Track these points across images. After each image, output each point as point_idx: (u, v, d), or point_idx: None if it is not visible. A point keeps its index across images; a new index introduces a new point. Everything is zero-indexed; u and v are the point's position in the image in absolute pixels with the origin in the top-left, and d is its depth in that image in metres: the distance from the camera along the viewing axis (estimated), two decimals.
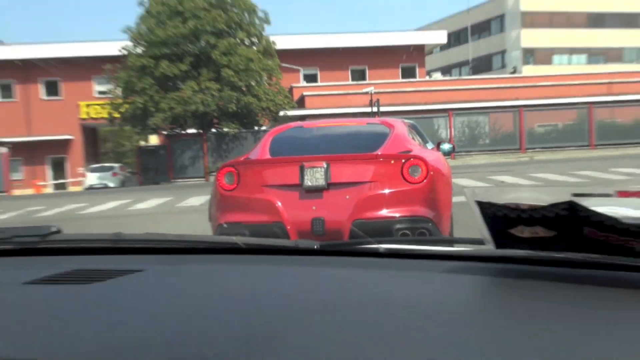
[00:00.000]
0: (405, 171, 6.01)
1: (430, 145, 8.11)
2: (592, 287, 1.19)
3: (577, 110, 34.26)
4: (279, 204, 6.05)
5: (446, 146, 8.86)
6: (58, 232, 1.77)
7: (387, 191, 6.01)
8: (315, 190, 6.04)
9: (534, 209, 1.12)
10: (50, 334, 1.06)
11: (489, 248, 1.25)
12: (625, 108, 35.28)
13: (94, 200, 20.42)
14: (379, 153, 6.20)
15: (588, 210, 1.07)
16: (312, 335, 1.00)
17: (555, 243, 1.15)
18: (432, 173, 6.03)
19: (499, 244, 1.22)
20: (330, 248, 1.66)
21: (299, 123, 8.33)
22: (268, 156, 6.62)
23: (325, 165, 6.01)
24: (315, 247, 1.63)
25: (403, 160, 6.03)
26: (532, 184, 17.41)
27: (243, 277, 1.43)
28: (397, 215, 5.95)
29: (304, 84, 42.02)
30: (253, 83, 32.34)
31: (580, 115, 33.92)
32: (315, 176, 6.03)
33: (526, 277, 1.26)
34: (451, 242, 2.35)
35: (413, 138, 7.21)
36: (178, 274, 1.50)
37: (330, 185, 6.01)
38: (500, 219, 1.17)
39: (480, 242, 1.37)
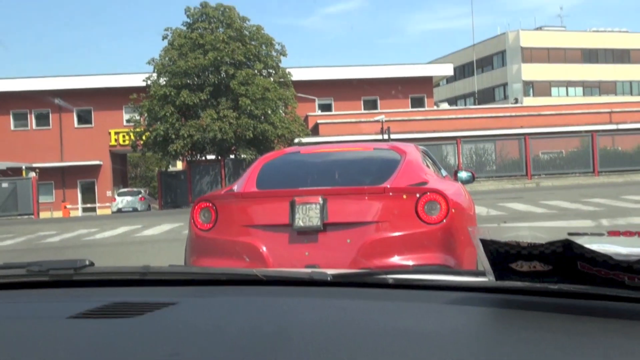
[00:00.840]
0: (420, 208, 4.42)
1: (443, 173, 6.25)
2: (586, 318, 1.17)
3: (580, 138, 32.51)
4: (264, 248, 4.47)
5: (464, 174, 6.98)
6: (91, 264, 1.71)
7: (398, 234, 4.42)
8: (309, 232, 4.46)
9: (532, 246, 1.14)
10: None
11: (491, 280, 1.26)
12: (626, 136, 33.78)
13: (107, 225, 18.66)
14: (388, 186, 4.57)
15: (582, 248, 1.09)
16: None
17: (551, 276, 1.16)
18: (453, 210, 4.45)
19: (499, 276, 1.24)
20: (343, 279, 1.62)
21: (296, 148, 6.51)
22: (254, 189, 4.86)
23: (321, 201, 4.44)
24: (329, 278, 1.59)
25: (418, 195, 4.46)
26: (545, 211, 15.50)
27: (265, 308, 1.43)
28: (411, 263, 4.38)
29: (319, 112, 40.72)
30: (269, 111, 30.85)
31: (584, 143, 32.15)
32: (308, 214, 4.45)
33: (524, 307, 1.26)
34: (456, 273, 1.94)
35: (428, 166, 5.42)
36: (209, 306, 1.47)
37: (327, 226, 4.44)
38: (501, 254, 1.19)
39: (482, 273, 1.36)
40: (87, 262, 1.71)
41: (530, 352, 1.01)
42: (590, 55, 62.95)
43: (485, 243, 1.19)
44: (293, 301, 1.48)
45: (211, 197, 4.94)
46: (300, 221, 4.41)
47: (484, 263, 1.24)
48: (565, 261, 1.12)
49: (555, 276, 1.15)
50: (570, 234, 1.13)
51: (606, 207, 15.79)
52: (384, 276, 1.57)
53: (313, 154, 5.94)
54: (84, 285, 1.71)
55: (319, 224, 4.39)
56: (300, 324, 1.28)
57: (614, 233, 1.14)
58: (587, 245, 1.08)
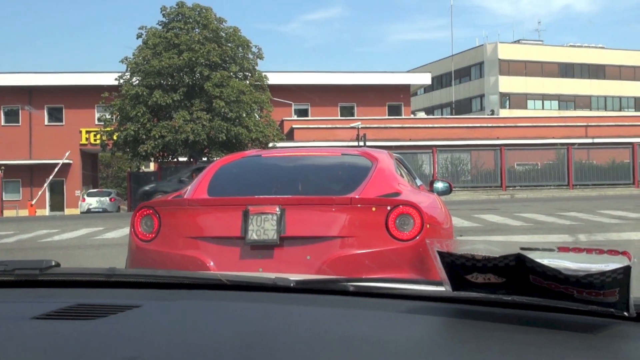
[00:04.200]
0: (391, 223, 3.93)
1: (418, 183, 5.70)
2: (535, 329, 1.20)
3: (556, 150, 32.31)
4: (211, 264, 3.93)
5: (441, 185, 6.40)
6: (57, 265, 1.73)
7: (364, 251, 3.92)
8: (263, 247, 3.94)
9: (486, 259, 1.17)
10: None
11: (447, 290, 1.29)
12: (601, 150, 33.67)
13: (68, 227, 17.84)
14: (356, 196, 4.09)
15: (534, 262, 1.13)
16: None
17: (505, 288, 1.20)
18: (428, 226, 3.99)
19: (455, 287, 1.26)
20: (305, 286, 1.65)
21: (258, 151, 5.92)
22: (204, 195, 4.37)
23: (278, 211, 3.94)
24: (292, 284, 1.62)
25: (388, 208, 3.96)
26: (521, 224, 15.03)
27: (227, 313, 1.46)
28: None
29: (295, 117, 40.12)
30: (244, 114, 30.12)
31: (559, 156, 31.95)
32: (263, 226, 3.92)
33: (478, 317, 1.28)
34: (414, 282, 1.99)
35: (402, 175, 4.90)
36: (171, 310, 1.48)
37: (284, 240, 3.93)
38: (457, 266, 1.22)
39: (439, 283, 1.38)
40: (53, 263, 1.71)
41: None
42: (567, 70, 63.55)
43: (442, 255, 1.23)
44: (255, 306, 1.49)
45: (154, 204, 4.35)
46: (253, 234, 3.87)
47: (440, 273, 1.27)
48: (518, 274, 1.16)
49: (508, 288, 1.19)
50: (522, 248, 1.17)
51: (583, 221, 15.37)
52: (345, 284, 1.61)
53: (275, 158, 5.37)
54: (49, 286, 1.70)
55: (274, 237, 3.85)
56: (260, 329, 1.29)
57: (563, 249, 1.18)
58: (539, 260, 1.12)
